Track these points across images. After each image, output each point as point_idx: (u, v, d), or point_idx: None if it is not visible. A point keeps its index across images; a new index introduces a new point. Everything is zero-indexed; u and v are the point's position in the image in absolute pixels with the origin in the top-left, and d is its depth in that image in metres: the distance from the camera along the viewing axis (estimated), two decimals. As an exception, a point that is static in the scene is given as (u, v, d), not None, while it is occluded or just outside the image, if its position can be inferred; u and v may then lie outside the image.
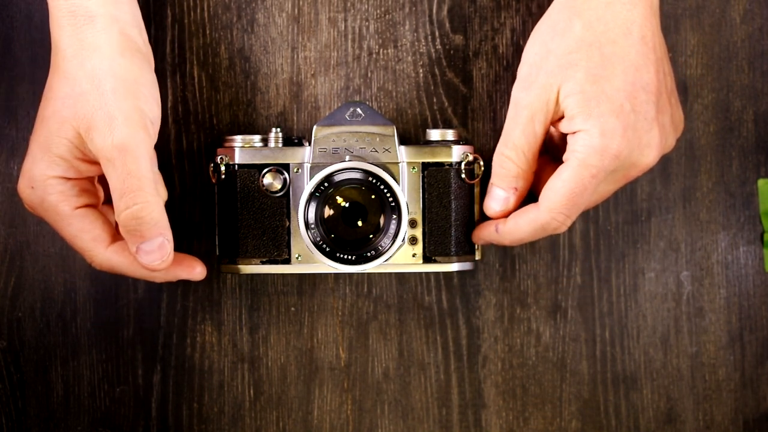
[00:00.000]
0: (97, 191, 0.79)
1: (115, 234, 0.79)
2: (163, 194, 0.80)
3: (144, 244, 0.76)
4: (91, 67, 0.76)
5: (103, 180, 0.80)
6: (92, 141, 0.75)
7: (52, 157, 0.76)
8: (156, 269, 0.77)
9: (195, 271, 0.81)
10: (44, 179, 0.77)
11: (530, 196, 0.83)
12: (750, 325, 0.87)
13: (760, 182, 0.87)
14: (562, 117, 0.78)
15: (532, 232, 0.80)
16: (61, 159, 0.76)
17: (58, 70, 0.77)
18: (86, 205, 0.78)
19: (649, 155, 0.78)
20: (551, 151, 0.83)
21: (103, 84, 0.76)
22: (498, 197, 0.81)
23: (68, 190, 0.77)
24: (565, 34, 0.78)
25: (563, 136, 0.79)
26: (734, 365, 0.87)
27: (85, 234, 0.78)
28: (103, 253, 0.78)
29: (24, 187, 0.77)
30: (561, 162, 0.78)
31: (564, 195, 0.77)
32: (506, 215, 0.81)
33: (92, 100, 0.75)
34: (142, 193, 0.75)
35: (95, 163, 0.77)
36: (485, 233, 0.82)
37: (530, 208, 0.80)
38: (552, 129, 0.81)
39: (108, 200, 0.79)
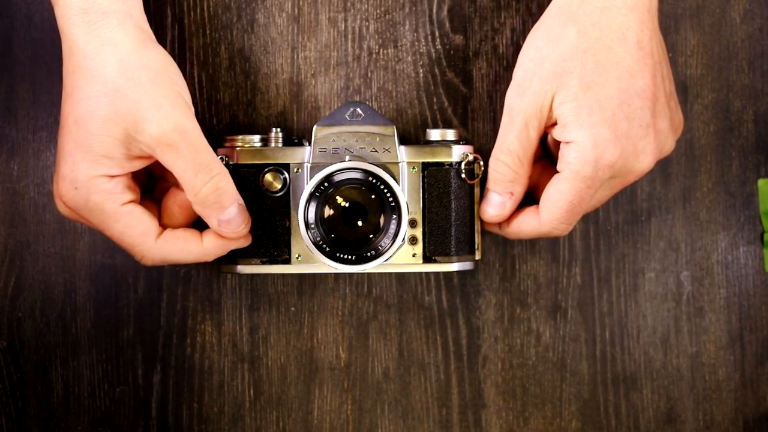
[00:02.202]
0: (137, 187, 0.79)
1: (162, 222, 0.79)
2: (240, 199, 0.81)
3: (224, 214, 0.78)
4: (117, 61, 0.76)
5: (138, 175, 0.80)
6: (144, 133, 0.75)
7: (95, 156, 0.76)
8: (240, 235, 0.79)
9: (248, 239, 0.82)
10: (88, 179, 0.76)
11: (528, 196, 0.83)
12: (750, 325, 0.87)
13: (760, 182, 0.87)
14: (556, 123, 0.78)
15: (534, 237, 0.81)
16: (105, 157, 0.76)
17: (81, 69, 0.76)
18: (131, 201, 0.78)
19: (644, 161, 0.78)
20: (548, 154, 0.83)
21: (137, 76, 0.76)
22: (494, 202, 0.81)
23: (113, 188, 0.77)
24: (560, 40, 0.78)
25: (558, 141, 0.79)
26: (734, 365, 0.87)
27: (133, 230, 0.77)
28: (153, 246, 0.78)
29: (66, 190, 0.77)
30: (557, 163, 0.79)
31: (562, 207, 0.78)
32: (503, 219, 0.81)
33: (131, 94, 0.75)
34: (216, 164, 0.77)
35: (139, 157, 0.77)
36: (490, 225, 0.84)
37: (531, 215, 0.80)
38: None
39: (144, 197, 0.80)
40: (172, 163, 0.76)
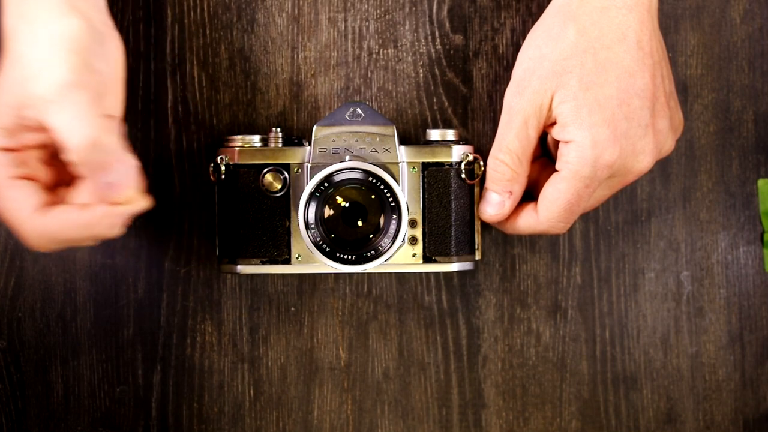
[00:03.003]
0: (41, 168, 0.76)
1: (47, 203, 0.75)
2: (134, 163, 0.76)
3: (108, 176, 0.74)
4: (30, 35, 0.74)
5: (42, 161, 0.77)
6: (32, 93, 0.73)
7: None
8: (128, 199, 0.74)
9: (140, 202, 0.76)
10: None
11: (527, 194, 0.83)
12: (750, 325, 0.87)
13: (760, 182, 0.87)
14: (555, 122, 0.78)
15: (531, 234, 0.82)
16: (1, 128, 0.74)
17: (4, 51, 0.75)
18: (23, 177, 0.75)
19: (643, 161, 0.78)
20: (547, 153, 0.83)
21: (41, 46, 0.74)
22: (493, 201, 0.81)
23: (4, 160, 0.74)
24: (560, 39, 0.78)
25: (557, 141, 0.79)
26: (734, 365, 0.87)
27: (15, 203, 0.74)
28: (34, 221, 0.74)
29: None
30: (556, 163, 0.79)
31: (560, 206, 0.78)
32: (502, 219, 0.81)
33: (27, 60, 0.74)
34: (94, 119, 0.73)
35: (33, 129, 0.74)
36: (488, 222, 0.83)
37: (529, 213, 0.80)
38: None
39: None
40: (53, 120, 0.73)
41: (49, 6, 0.75)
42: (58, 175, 0.77)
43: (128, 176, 0.74)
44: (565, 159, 0.77)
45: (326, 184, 0.79)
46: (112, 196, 0.74)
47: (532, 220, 0.80)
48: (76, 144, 0.73)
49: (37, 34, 0.75)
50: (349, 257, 0.80)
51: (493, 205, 0.81)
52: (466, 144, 0.83)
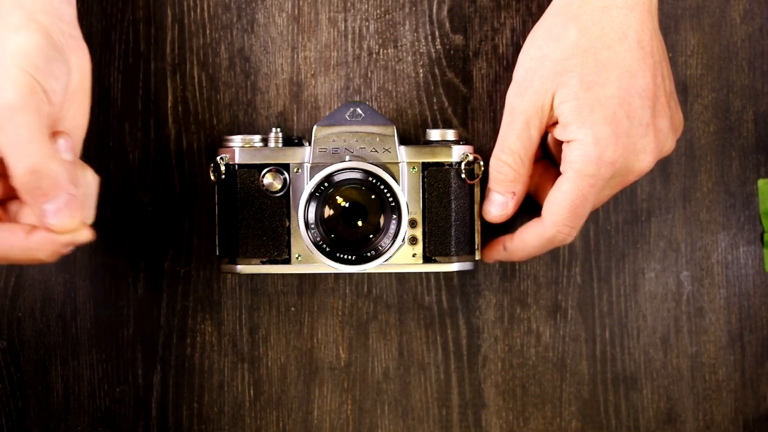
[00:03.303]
0: None
1: None
2: (92, 181, 0.74)
3: (48, 204, 0.70)
4: None
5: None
6: None
7: None
8: (68, 229, 0.71)
9: (82, 234, 0.72)
10: None
11: (528, 200, 0.83)
12: (750, 325, 0.87)
13: (760, 182, 0.87)
14: (557, 122, 0.78)
15: (539, 247, 0.81)
16: None
17: None
18: None
19: (644, 160, 0.78)
20: (549, 155, 0.83)
21: None
22: (496, 202, 0.81)
23: None
24: (561, 39, 0.78)
25: (559, 141, 0.79)
26: (734, 365, 0.87)
27: None
28: None
29: None
30: (559, 165, 0.79)
31: (566, 207, 0.78)
32: (506, 219, 0.82)
33: None
34: (36, 145, 0.69)
35: None
36: (494, 253, 0.83)
37: (535, 223, 0.80)
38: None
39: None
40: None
41: (6, 18, 0.73)
42: (12, 190, 0.74)
43: (70, 207, 0.71)
44: (568, 159, 0.77)
45: (326, 184, 0.79)
46: (51, 224, 0.70)
47: (538, 230, 0.80)
48: (16, 169, 0.69)
49: None
50: (349, 257, 0.80)
51: (497, 206, 0.81)
52: (466, 144, 0.83)
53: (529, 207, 0.83)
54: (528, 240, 0.81)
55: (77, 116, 0.75)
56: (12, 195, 0.75)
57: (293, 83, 0.86)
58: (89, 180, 0.74)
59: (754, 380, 0.87)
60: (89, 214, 0.74)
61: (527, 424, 0.87)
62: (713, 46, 0.87)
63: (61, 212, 0.70)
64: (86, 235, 0.72)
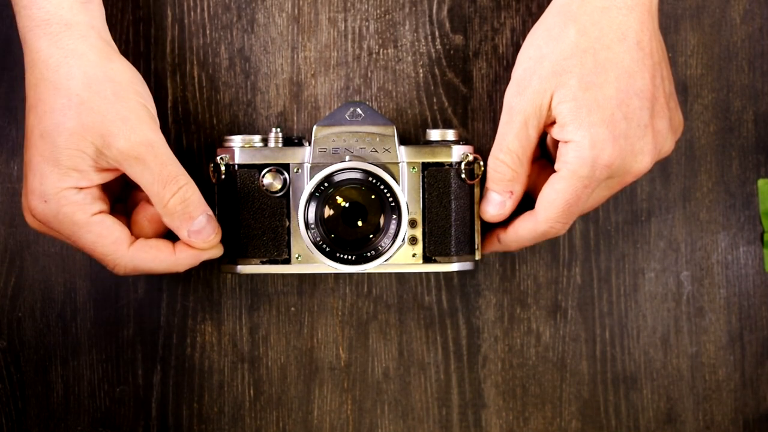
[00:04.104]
0: (106, 198, 0.80)
1: (132, 235, 0.80)
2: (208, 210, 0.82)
3: (193, 224, 0.78)
4: (82, 74, 0.76)
5: (109, 186, 0.80)
6: (111, 147, 0.76)
7: (63, 169, 0.76)
8: (209, 245, 0.80)
9: (219, 249, 0.82)
10: (57, 191, 0.76)
11: (527, 196, 0.83)
12: (750, 325, 0.87)
13: (760, 182, 0.87)
14: (555, 122, 0.78)
15: (532, 239, 0.81)
16: (73, 170, 0.76)
17: (44, 81, 0.76)
18: (101, 212, 0.78)
19: (642, 161, 0.78)
20: (546, 154, 0.83)
21: (102, 89, 0.76)
22: (494, 201, 0.81)
23: (83, 199, 0.77)
24: (560, 39, 0.78)
25: (556, 140, 0.79)
26: (734, 365, 0.87)
27: (105, 239, 0.78)
28: (126, 254, 0.78)
29: (36, 204, 0.77)
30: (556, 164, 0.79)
31: (559, 206, 0.78)
32: (504, 219, 0.82)
33: (97, 107, 0.76)
34: (183, 176, 0.78)
35: (107, 170, 0.77)
36: (489, 245, 0.84)
37: (528, 217, 0.80)
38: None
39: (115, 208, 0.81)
40: (139, 176, 0.77)
41: (92, 43, 0.77)
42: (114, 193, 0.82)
43: (212, 225, 0.79)
44: (564, 159, 0.77)
45: (326, 184, 0.79)
46: (196, 243, 0.79)
47: (530, 224, 0.80)
48: (168, 200, 0.77)
49: (88, 75, 0.76)
50: (349, 257, 0.80)
51: (495, 205, 0.81)
52: (466, 144, 0.83)
53: (527, 202, 0.83)
54: (521, 233, 0.81)
55: (153, 105, 0.80)
56: (131, 184, 0.81)
57: (293, 83, 0.86)
58: (209, 212, 0.81)
59: (754, 380, 0.87)
60: None
61: (527, 424, 0.87)
62: (713, 46, 0.87)
63: (205, 231, 0.79)
64: (220, 251, 0.81)
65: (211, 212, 0.80)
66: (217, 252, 0.81)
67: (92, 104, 0.76)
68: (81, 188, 0.77)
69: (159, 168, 0.77)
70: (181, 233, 0.79)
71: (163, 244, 0.80)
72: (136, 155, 0.76)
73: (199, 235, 0.79)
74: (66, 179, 0.76)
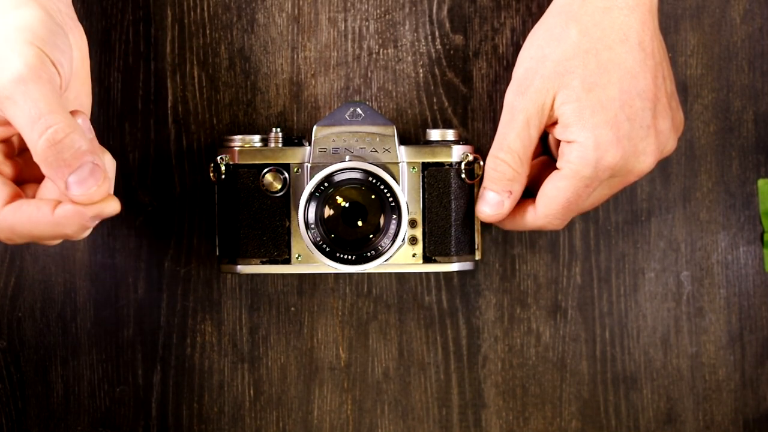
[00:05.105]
0: (6, 165, 0.73)
1: (15, 195, 0.71)
2: (111, 165, 0.72)
3: (72, 175, 0.68)
4: None
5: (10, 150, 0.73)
6: None
7: None
8: (92, 199, 0.69)
9: (109, 205, 0.71)
10: None
11: (526, 191, 0.83)
12: (750, 325, 0.87)
13: (760, 182, 0.87)
14: (556, 122, 0.78)
15: (529, 229, 0.82)
16: None
17: None
18: None
19: (645, 162, 0.78)
20: (547, 151, 0.83)
21: None
22: (492, 201, 0.81)
23: None
24: (562, 39, 0.78)
25: (558, 140, 0.79)
26: (734, 365, 0.87)
27: None
28: (2, 213, 0.70)
29: None
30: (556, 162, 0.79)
31: (559, 203, 0.78)
32: (500, 219, 0.81)
33: None
34: (55, 115, 0.68)
35: (2, 123, 0.71)
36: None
37: (528, 210, 0.80)
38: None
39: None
40: (12, 118, 0.68)
41: None
42: (27, 171, 0.74)
43: (95, 176, 0.69)
44: (566, 158, 0.77)
45: (326, 184, 0.79)
46: (77, 196, 0.69)
47: (530, 217, 0.80)
48: (35, 143, 0.68)
49: None
50: (349, 257, 0.80)
51: (492, 205, 0.81)
52: (466, 144, 0.83)
53: (525, 195, 0.83)
54: (518, 222, 0.81)
55: (81, 96, 0.75)
56: (27, 178, 0.74)
57: (293, 83, 0.86)
58: (108, 163, 0.72)
59: (754, 380, 0.87)
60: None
61: (527, 424, 0.87)
62: (713, 46, 0.87)
63: (87, 182, 0.68)
64: (114, 207, 0.70)
65: (101, 161, 0.69)
66: (111, 207, 0.70)
67: None
68: None
69: (29, 106, 0.67)
70: (59, 185, 0.68)
71: (43, 203, 0.70)
72: (7, 95, 0.68)
73: (80, 186, 0.68)
74: None
